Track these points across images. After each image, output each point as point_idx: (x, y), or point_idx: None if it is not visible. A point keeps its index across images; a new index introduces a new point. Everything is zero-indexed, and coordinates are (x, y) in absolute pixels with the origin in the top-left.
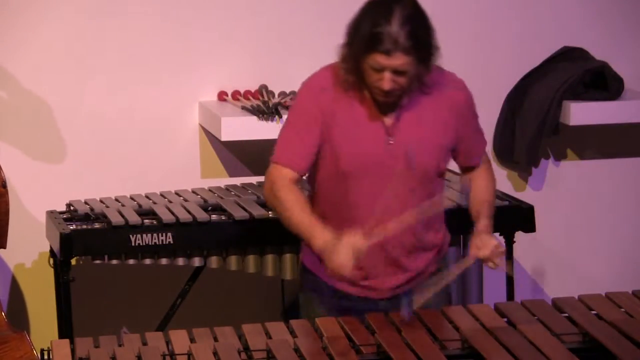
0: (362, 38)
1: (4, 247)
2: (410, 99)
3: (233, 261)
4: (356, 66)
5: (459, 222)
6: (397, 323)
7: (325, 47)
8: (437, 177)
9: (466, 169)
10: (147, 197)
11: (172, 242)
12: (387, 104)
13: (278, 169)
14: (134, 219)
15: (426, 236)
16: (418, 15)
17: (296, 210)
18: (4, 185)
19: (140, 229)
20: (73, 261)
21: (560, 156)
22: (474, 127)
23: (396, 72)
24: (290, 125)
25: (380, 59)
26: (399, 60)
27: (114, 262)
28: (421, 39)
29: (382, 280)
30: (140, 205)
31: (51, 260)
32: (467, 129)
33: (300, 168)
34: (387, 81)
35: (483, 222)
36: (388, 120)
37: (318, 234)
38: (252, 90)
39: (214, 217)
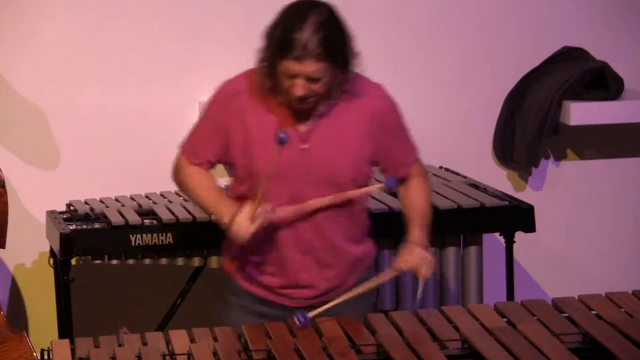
0: (275, 43)
1: (3, 247)
2: (330, 106)
3: None
4: (271, 71)
5: (458, 222)
6: (396, 323)
7: None
8: (355, 187)
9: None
10: (147, 197)
11: (172, 242)
12: (303, 111)
13: (183, 157)
14: (134, 219)
15: (348, 248)
16: (333, 21)
17: (201, 188)
18: (3, 185)
19: (140, 229)
20: (73, 261)
21: (560, 156)
22: (397, 137)
23: (309, 78)
24: (200, 122)
25: (291, 65)
26: (311, 67)
27: (114, 262)
28: (334, 46)
29: (300, 291)
30: (140, 205)
31: (51, 260)
32: (388, 139)
33: (198, 162)
34: (299, 87)
35: (414, 234)
36: (303, 127)
37: (223, 208)
38: None
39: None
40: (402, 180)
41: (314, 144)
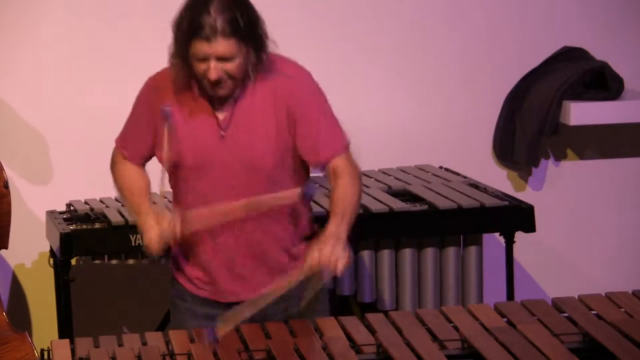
0: (184, 29)
1: (6, 247)
2: (244, 89)
3: None
4: (184, 61)
5: (458, 222)
6: (396, 323)
7: (322, 48)
8: (283, 174)
9: (324, 170)
10: None
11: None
12: (221, 98)
13: (118, 151)
14: (131, 218)
15: (281, 260)
16: (238, 2)
17: (128, 191)
18: (6, 186)
19: (136, 229)
20: (73, 261)
21: (560, 156)
22: (314, 117)
23: (221, 59)
24: (129, 118)
25: (201, 47)
26: (221, 46)
27: (114, 262)
28: (242, 24)
29: (245, 284)
30: None
31: (51, 260)
32: (303, 119)
33: (130, 156)
34: (212, 70)
35: (330, 227)
36: (222, 114)
37: (143, 209)
38: None
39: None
40: (328, 173)
41: (232, 131)
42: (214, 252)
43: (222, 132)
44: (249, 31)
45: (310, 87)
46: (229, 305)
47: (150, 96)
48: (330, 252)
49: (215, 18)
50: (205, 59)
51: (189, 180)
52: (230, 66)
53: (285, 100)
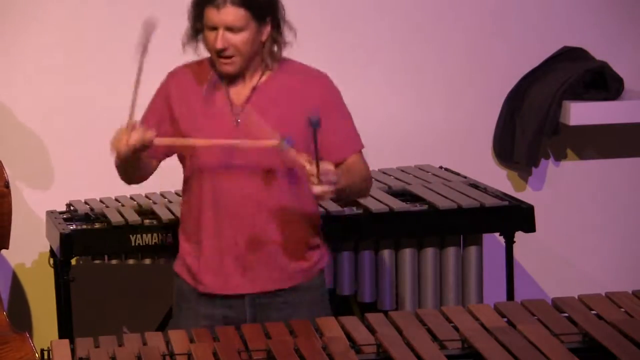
0: None
1: (7, 248)
2: (265, 82)
3: None
4: (197, 33)
5: (458, 222)
6: (396, 323)
7: (322, 47)
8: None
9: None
10: (147, 197)
11: (172, 242)
12: (229, 75)
13: None
14: (134, 219)
15: (304, 239)
16: None
17: None
18: (7, 186)
19: (140, 229)
20: (73, 261)
21: (560, 156)
22: (332, 122)
23: (230, 29)
24: (146, 109)
25: (211, 15)
26: (230, 14)
27: (114, 262)
28: None
29: (248, 275)
30: (140, 205)
31: (51, 260)
32: (328, 118)
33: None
34: (219, 39)
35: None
36: (237, 99)
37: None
38: None
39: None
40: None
41: (246, 115)
42: (220, 246)
43: (236, 119)
44: (261, 5)
45: (335, 89)
46: (232, 298)
47: (166, 86)
48: (330, 171)
49: None
50: (214, 28)
51: (204, 168)
52: (238, 38)
53: (306, 100)
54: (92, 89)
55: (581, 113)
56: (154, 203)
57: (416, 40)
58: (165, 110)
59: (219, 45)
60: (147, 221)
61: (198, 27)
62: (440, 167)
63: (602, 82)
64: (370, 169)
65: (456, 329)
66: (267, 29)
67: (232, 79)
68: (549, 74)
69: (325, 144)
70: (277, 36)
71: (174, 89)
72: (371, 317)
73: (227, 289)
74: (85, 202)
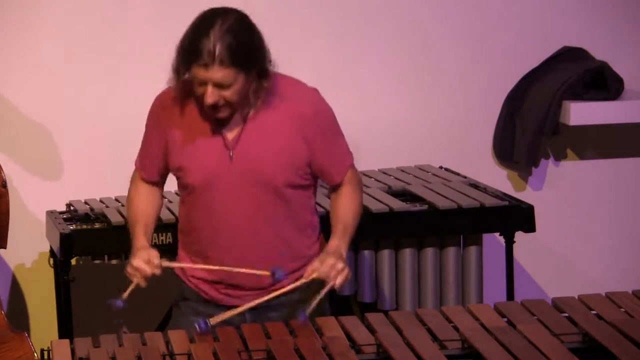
0: (184, 51)
1: (4, 247)
2: (256, 112)
3: None
4: (185, 82)
5: (458, 222)
6: (396, 323)
7: (322, 48)
8: (292, 192)
9: (331, 188)
10: None
11: (172, 242)
12: (221, 120)
13: (136, 171)
14: None
15: (303, 251)
16: (240, 28)
17: (131, 211)
18: (4, 185)
19: None
20: (73, 261)
21: (560, 156)
22: (326, 142)
23: (218, 85)
24: (144, 137)
25: (199, 73)
26: (217, 73)
27: (114, 262)
28: (241, 52)
29: (249, 291)
30: None
31: (51, 260)
32: (317, 144)
33: (147, 176)
34: (209, 95)
35: (331, 244)
36: (230, 134)
37: (136, 243)
38: None
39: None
40: (335, 187)
41: (241, 150)
42: (218, 261)
43: (230, 153)
44: (249, 59)
45: (323, 111)
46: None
47: (159, 113)
48: (332, 265)
49: (215, 44)
50: (203, 83)
51: (197, 198)
52: (228, 93)
53: (300, 124)
54: (92, 89)
55: (581, 113)
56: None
57: (416, 40)
58: (163, 142)
59: (210, 101)
60: None
61: (185, 77)
62: (440, 167)
63: (602, 82)
64: (370, 168)
65: (456, 329)
66: (254, 73)
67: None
68: (549, 74)
69: (320, 166)
70: (262, 79)
71: (166, 120)
72: (371, 317)
73: (227, 301)
74: (85, 202)
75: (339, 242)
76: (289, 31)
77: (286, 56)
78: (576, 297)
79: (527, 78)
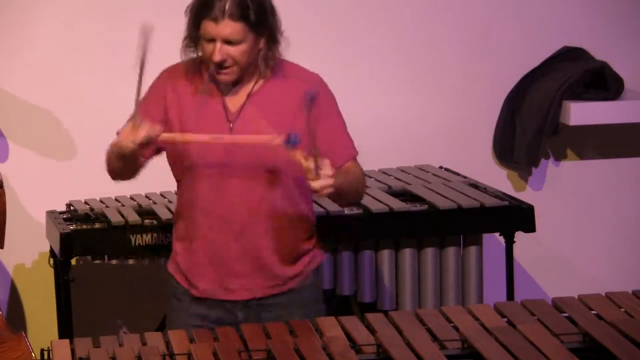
0: (196, 8)
1: (2, 247)
2: (260, 86)
3: None
4: (195, 44)
5: (458, 222)
6: (396, 323)
7: (323, 47)
8: (286, 170)
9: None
10: (147, 197)
11: (172, 242)
12: (227, 84)
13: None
14: (134, 219)
15: (297, 244)
16: None
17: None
18: (1, 186)
19: (140, 229)
20: (73, 261)
21: (560, 156)
22: (328, 124)
23: (227, 42)
24: (139, 105)
25: (209, 27)
26: (227, 27)
27: (114, 262)
28: (252, 9)
29: (241, 282)
30: (140, 205)
31: (51, 260)
32: (317, 125)
33: None
34: (217, 52)
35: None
36: (233, 106)
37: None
38: None
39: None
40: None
41: (240, 122)
42: (212, 251)
43: (231, 125)
44: (259, 18)
45: (326, 93)
46: (225, 302)
47: (162, 86)
48: (325, 174)
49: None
50: (212, 39)
51: (195, 172)
52: (236, 50)
53: (302, 102)
54: (92, 89)
55: (581, 113)
56: (154, 203)
57: (416, 40)
58: (159, 110)
59: (217, 58)
60: (147, 221)
61: (195, 36)
62: (440, 167)
63: (602, 82)
64: (370, 168)
65: (456, 329)
66: (264, 39)
67: (228, 86)
68: (549, 74)
69: (325, 149)
70: (272, 45)
71: (170, 91)
72: (371, 317)
73: (220, 295)
74: (85, 202)
75: (340, 172)
76: (290, 30)
77: (287, 56)
78: (576, 297)
79: (527, 78)
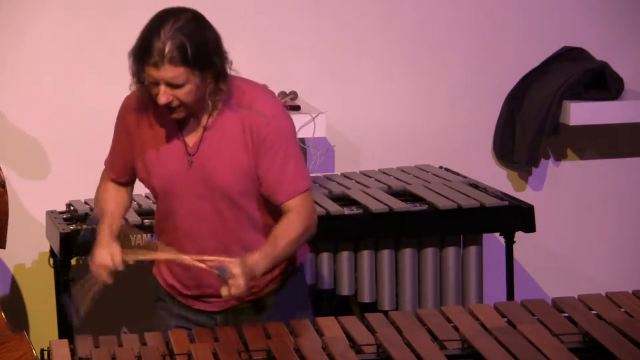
0: (137, 52)
1: (4, 247)
2: (216, 118)
3: None
4: (142, 83)
5: (458, 222)
6: (396, 323)
7: (325, 47)
8: (249, 202)
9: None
10: (147, 197)
11: None
12: (182, 121)
13: (105, 170)
14: (134, 219)
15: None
16: (192, 28)
17: (98, 207)
18: (3, 185)
19: (140, 229)
20: (73, 261)
21: (560, 156)
22: (276, 159)
23: (170, 85)
24: (113, 138)
25: (151, 72)
26: (169, 72)
27: None
28: (193, 51)
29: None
30: (140, 205)
31: (51, 260)
32: (265, 160)
33: (116, 176)
34: (161, 95)
35: (255, 257)
36: (190, 140)
37: (99, 238)
38: None
39: None
40: (282, 210)
41: (200, 157)
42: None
43: (190, 159)
44: (201, 60)
45: (281, 128)
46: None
47: (126, 117)
48: (240, 274)
49: (165, 43)
50: (156, 83)
51: (161, 202)
52: (181, 92)
53: (256, 136)
54: (91, 89)
55: (581, 113)
56: (154, 203)
57: (416, 41)
58: (129, 145)
59: (162, 100)
60: (147, 221)
61: (141, 78)
62: (440, 167)
63: (602, 82)
64: (370, 168)
65: (456, 329)
66: (210, 75)
67: (183, 120)
68: (549, 74)
69: (266, 185)
70: (219, 80)
71: (132, 123)
72: (371, 317)
73: (199, 306)
74: (85, 202)
75: (261, 258)
76: (293, 31)
77: (287, 56)
78: (576, 297)
79: (527, 78)
